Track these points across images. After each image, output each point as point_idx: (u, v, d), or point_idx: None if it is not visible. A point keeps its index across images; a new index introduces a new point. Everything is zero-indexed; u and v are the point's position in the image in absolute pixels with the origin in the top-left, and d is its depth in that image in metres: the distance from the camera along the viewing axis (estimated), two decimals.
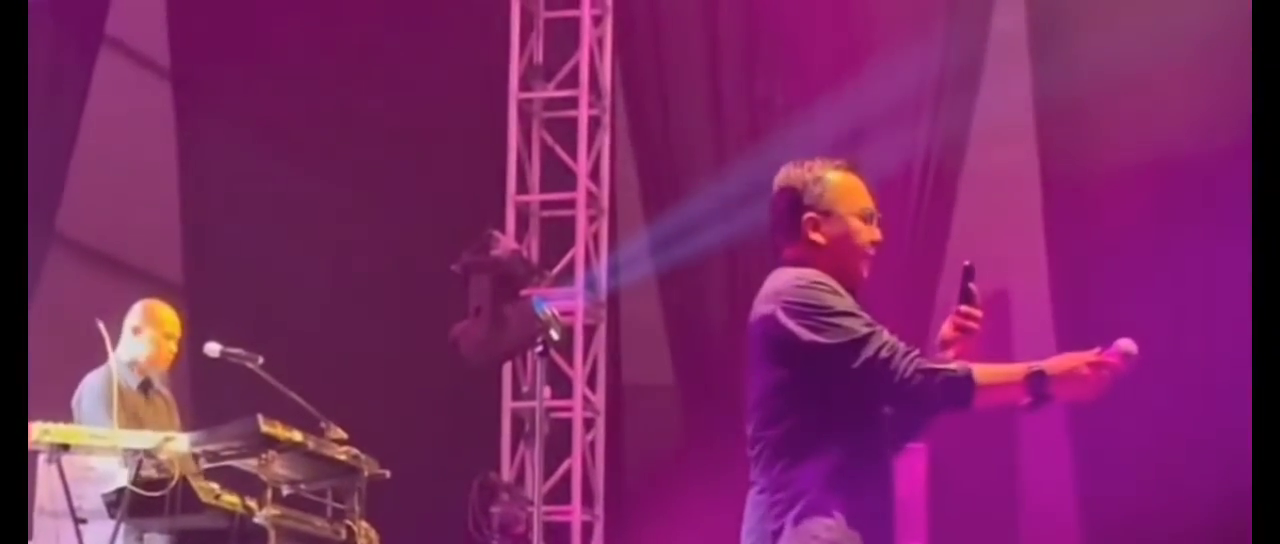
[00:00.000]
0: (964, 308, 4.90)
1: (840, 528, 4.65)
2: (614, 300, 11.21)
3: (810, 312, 4.69)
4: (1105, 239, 10.19)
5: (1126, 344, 4.62)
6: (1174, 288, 9.75)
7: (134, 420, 8.09)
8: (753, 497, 4.77)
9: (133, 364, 8.38)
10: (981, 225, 10.40)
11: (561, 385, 10.63)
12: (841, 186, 4.88)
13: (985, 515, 10.46)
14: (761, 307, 4.77)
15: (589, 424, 10.95)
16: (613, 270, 11.17)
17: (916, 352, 4.67)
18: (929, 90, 10.61)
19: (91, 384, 8.18)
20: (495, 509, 9.53)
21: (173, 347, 8.52)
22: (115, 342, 8.20)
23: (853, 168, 4.94)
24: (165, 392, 8.59)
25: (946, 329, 4.91)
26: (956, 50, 10.55)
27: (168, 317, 8.53)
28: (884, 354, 4.61)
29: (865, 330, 4.66)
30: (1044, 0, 10.48)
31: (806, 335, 4.66)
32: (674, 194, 11.05)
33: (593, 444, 10.96)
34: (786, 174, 4.91)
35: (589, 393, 10.94)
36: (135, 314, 8.47)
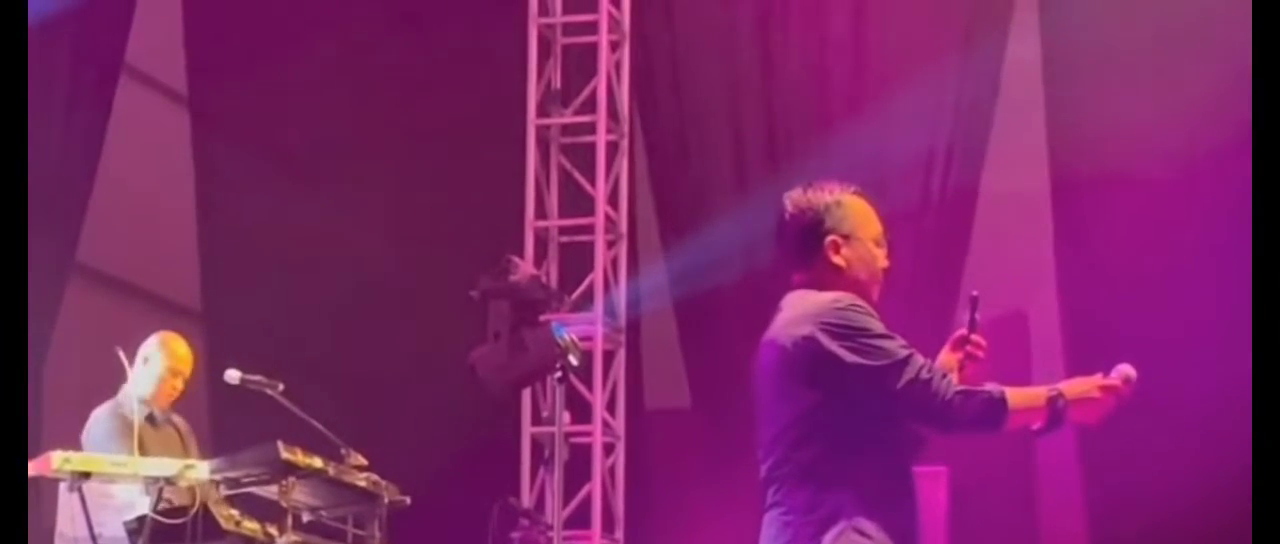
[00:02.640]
0: (973, 336, 5.01)
1: None
2: (633, 325, 11.22)
3: (852, 333, 4.73)
4: (1116, 264, 10.19)
5: (1126, 369, 4.78)
6: (1185, 313, 9.74)
7: (142, 450, 8.06)
8: (775, 518, 4.78)
9: (139, 396, 8.30)
10: (998, 250, 10.40)
11: (581, 410, 10.64)
12: (859, 211, 4.95)
13: (1005, 539, 10.46)
14: (795, 329, 4.78)
15: (609, 449, 10.95)
16: (631, 295, 11.17)
17: (952, 375, 4.77)
18: (946, 118, 10.62)
19: (98, 417, 8.18)
20: (515, 534, 9.51)
21: (178, 384, 8.45)
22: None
23: (863, 193, 4.97)
24: (177, 420, 8.54)
25: (947, 357, 4.98)
26: (973, 79, 10.56)
27: (179, 352, 8.46)
28: (924, 376, 4.68)
29: (905, 353, 4.72)
30: (1058, 29, 10.48)
31: (850, 357, 4.70)
32: (692, 218, 11.06)
33: (612, 469, 10.96)
34: (804, 198, 4.94)
35: (608, 417, 10.95)
36: (147, 346, 8.42)
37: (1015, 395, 4.70)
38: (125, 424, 8.09)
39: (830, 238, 4.88)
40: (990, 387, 4.73)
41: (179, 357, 8.45)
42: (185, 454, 8.24)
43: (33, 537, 8.58)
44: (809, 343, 4.72)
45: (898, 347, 4.71)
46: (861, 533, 4.67)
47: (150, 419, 8.35)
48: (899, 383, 4.66)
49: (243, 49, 11.61)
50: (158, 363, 8.39)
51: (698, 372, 11.11)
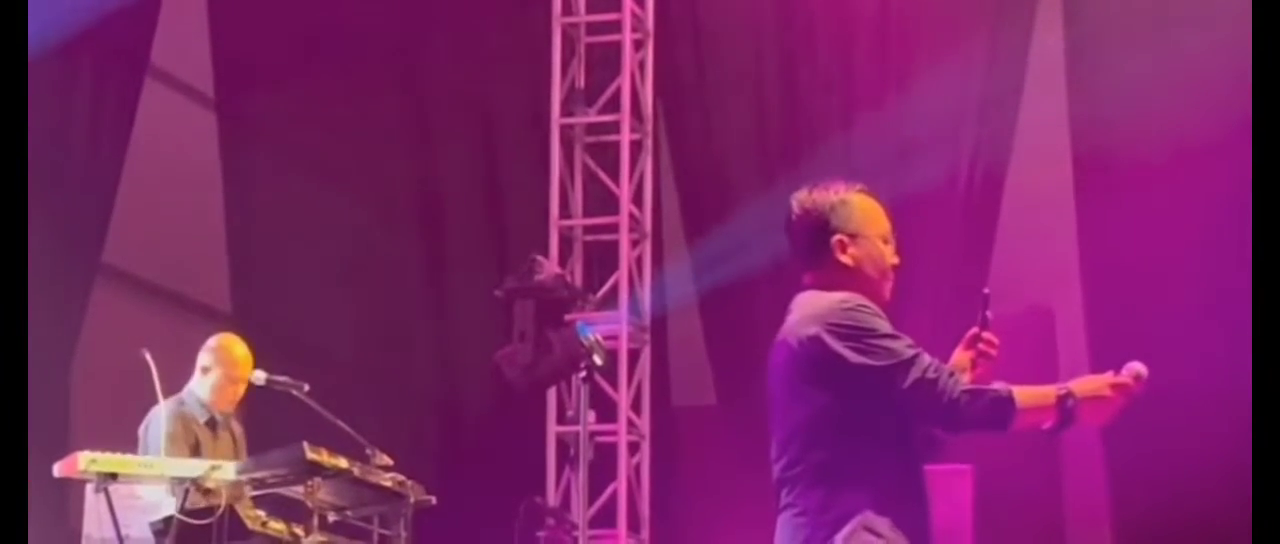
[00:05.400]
0: (985, 334, 4.97)
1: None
2: (659, 323, 11.22)
3: (857, 334, 4.72)
4: (1141, 258, 10.16)
5: (1137, 367, 4.74)
6: (1211, 307, 9.72)
7: (196, 454, 8.09)
8: (789, 520, 4.79)
9: (200, 400, 8.37)
10: (1024, 244, 10.38)
11: (606, 409, 10.64)
12: (865, 209, 4.94)
13: (1030, 538, 10.44)
14: (802, 330, 4.79)
15: (634, 448, 10.96)
16: (656, 293, 11.18)
17: (959, 374, 4.75)
18: (971, 111, 10.61)
19: (158, 415, 8.19)
20: (541, 533, 9.55)
21: (239, 389, 8.46)
22: (161, 374, 8.20)
23: (869, 191, 4.97)
24: (235, 427, 8.55)
25: (960, 356, 4.97)
26: (997, 71, 10.54)
27: (239, 356, 8.45)
28: (930, 375, 4.66)
29: (911, 353, 4.70)
30: (1082, 20, 10.46)
31: (855, 358, 4.69)
32: (716, 216, 11.05)
33: (638, 468, 10.96)
34: (809, 198, 4.94)
35: (634, 416, 10.95)
36: (206, 352, 8.43)
37: (1023, 394, 4.67)
38: (184, 426, 8.13)
39: (836, 237, 4.88)
40: (998, 386, 4.71)
41: (236, 361, 8.45)
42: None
43: (59, 538, 8.62)
44: (815, 344, 4.73)
45: (904, 346, 4.70)
46: (873, 532, 4.67)
47: (210, 423, 8.38)
48: (905, 383, 4.65)
49: (269, 51, 11.62)
50: (215, 370, 8.40)
51: (723, 369, 11.10)
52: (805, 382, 4.76)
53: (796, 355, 4.78)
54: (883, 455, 4.73)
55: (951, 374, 4.69)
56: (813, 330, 4.75)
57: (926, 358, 4.69)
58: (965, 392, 4.66)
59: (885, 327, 4.74)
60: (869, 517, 4.67)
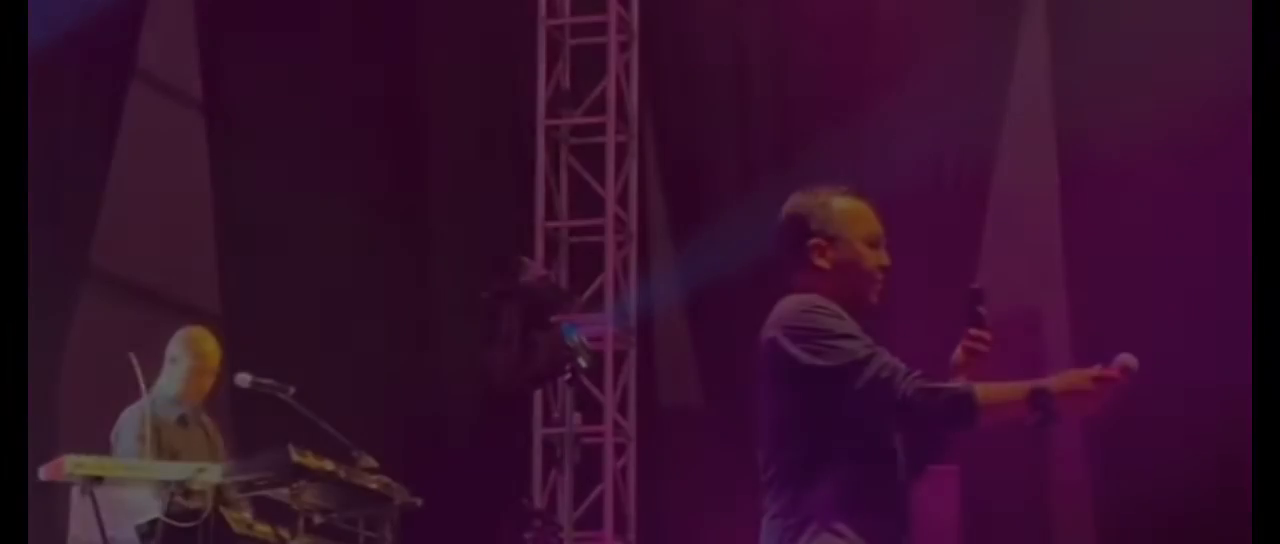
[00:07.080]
0: (973, 331, 4.91)
1: None
2: (645, 324, 11.23)
3: (810, 335, 4.68)
4: (1126, 257, 10.18)
5: (1127, 358, 4.60)
6: (1195, 310, 9.73)
7: (169, 454, 8.07)
8: (766, 523, 4.77)
9: (170, 396, 8.33)
10: (1010, 245, 10.40)
11: (593, 411, 10.64)
12: (847, 211, 4.87)
13: (1017, 538, 10.46)
14: (766, 333, 4.77)
15: (620, 449, 10.96)
16: (643, 295, 11.18)
17: (918, 372, 4.64)
18: (956, 112, 10.61)
19: (126, 420, 8.17)
20: (527, 536, 9.54)
21: (207, 381, 8.41)
22: (148, 375, 8.19)
23: (859, 193, 4.92)
24: (206, 421, 8.51)
25: (958, 354, 4.92)
26: (982, 72, 10.56)
27: (207, 348, 8.41)
28: (884, 375, 4.60)
29: (866, 352, 4.64)
30: (1067, 20, 10.48)
31: (807, 359, 4.66)
32: (702, 218, 11.06)
33: (624, 469, 10.97)
34: (793, 202, 4.90)
35: (620, 418, 10.96)
36: (173, 343, 8.38)
37: (986, 392, 4.58)
38: (154, 428, 8.09)
39: (813, 241, 4.82)
40: (957, 383, 4.66)
41: (205, 353, 8.40)
42: (212, 456, 8.21)
43: (46, 541, 8.60)
44: (773, 346, 4.71)
45: (859, 346, 4.64)
46: (836, 534, 4.64)
47: (181, 420, 8.34)
48: (858, 382, 4.60)
49: (257, 51, 11.60)
50: (183, 361, 8.37)
51: (710, 370, 11.11)
52: (770, 384, 4.75)
53: (763, 358, 4.77)
54: (845, 456, 4.67)
55: (908, 373, 4.60)
56: (772, 333, 4.72)
57: (883, 357, 4.63)
58: (921, 390, 4.57)
59: (842, 327, 4.68)
60: (831, 520, 4.64)
